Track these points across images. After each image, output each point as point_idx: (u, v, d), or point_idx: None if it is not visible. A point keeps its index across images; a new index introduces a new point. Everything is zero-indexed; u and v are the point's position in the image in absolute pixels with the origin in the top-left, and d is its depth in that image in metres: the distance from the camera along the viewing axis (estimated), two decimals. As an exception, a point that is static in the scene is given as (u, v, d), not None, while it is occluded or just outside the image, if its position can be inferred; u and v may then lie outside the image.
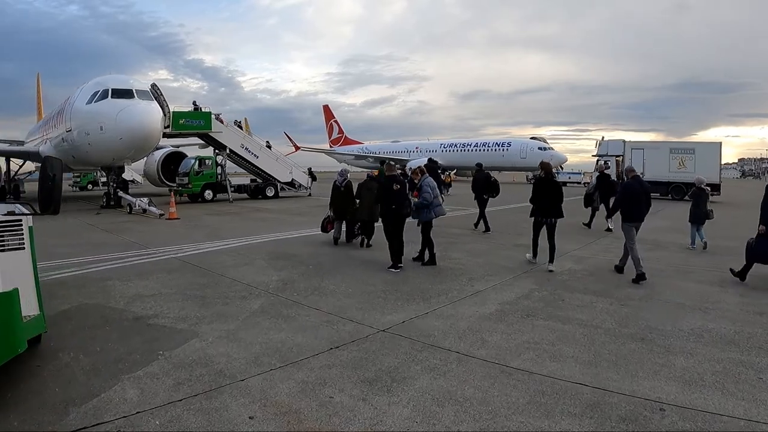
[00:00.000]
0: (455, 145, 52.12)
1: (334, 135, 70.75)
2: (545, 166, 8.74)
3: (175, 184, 25.19)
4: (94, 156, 18.55)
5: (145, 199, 17.73)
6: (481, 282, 7.40)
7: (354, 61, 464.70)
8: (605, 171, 14.63)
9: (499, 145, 47.89)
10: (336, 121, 71.29)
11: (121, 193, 19.33)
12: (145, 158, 30.57)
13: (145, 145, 17.80)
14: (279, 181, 26.62)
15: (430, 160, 20.30)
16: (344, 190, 10.74)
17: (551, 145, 45.91)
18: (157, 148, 30.15)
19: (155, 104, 18.44)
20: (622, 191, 8.06)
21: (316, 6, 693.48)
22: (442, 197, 9.66)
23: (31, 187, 37.21)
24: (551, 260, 8.28)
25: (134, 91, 17.52)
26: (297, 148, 60.77)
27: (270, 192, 26.26)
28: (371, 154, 55.65)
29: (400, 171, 12.04)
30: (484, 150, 48.51)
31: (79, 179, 39.15)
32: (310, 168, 30.74)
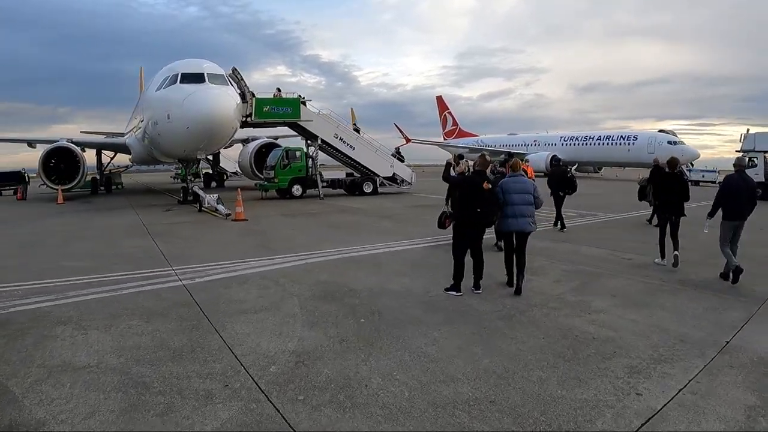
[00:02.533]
0: (576, 139, 46.21)
1: (448, 127, 66.42)
2: (671, 162, 8.46)
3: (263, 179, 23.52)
4: (166, 147, 16.93)
5: (215, 196, 15.85)
6: (652, 381, 3.84)
7: (470, 54, 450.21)
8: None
9: (624, 139, 41.32)
10: (450, 113, 66.81)
11: (196, 189, 17.66)
12: (240, 150, 29.65)
13: (215, 135, 15.62)
14: (378, 176, 23.72)
15: (507, 154, 17.10)
16: None
17: (682, 140, 38.46)
18: (253, 139, 28.98)
19: (230, 89, 16.36)
20: (721, 186, 7.54)
21: (430, 0, 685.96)
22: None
23: (129, 180, 38.04)
24: (675, 248, 7.93)
25: (206, 75, 15.51)
26: (408, 140, 57.98)
27: (368, 188, 23.35)
28: (487, 147, 51.22)
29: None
30: (607, 143, 42.46)
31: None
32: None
